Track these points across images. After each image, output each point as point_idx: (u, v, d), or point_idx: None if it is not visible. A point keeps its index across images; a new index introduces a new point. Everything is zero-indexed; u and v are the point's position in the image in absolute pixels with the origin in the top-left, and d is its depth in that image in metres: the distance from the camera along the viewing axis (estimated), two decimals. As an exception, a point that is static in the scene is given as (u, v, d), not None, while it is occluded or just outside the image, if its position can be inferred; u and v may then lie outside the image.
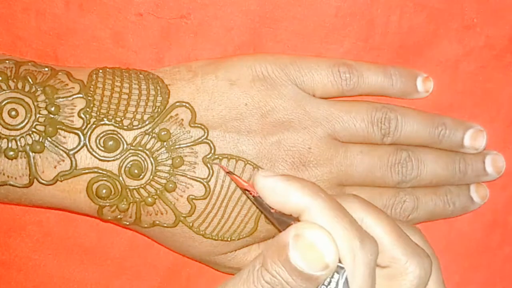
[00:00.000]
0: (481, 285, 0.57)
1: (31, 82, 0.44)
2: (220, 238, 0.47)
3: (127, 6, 0.49)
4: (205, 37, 0.50)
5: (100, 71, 0.47)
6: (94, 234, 0.53)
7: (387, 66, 0.51)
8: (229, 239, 0.47)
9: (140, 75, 0.47)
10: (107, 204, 0.45)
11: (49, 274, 0.54)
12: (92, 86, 0.45)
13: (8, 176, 0.44)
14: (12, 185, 0.44)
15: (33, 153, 0.43)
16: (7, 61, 0.45)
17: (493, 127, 0.53)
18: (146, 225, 0.47)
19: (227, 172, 0.46)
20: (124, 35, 0.50)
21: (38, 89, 0.44)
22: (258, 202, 0.42)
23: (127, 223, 0.47)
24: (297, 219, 0.40)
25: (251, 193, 0.43)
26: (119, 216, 0.46)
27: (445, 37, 0.51)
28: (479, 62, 0.52)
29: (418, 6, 0.50)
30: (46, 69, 0.46)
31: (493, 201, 0.54)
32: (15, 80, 0.44)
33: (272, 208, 0.41)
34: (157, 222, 0.46)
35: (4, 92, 0.44)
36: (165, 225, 0.46)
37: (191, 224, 0.46)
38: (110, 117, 0.45)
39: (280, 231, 0.40)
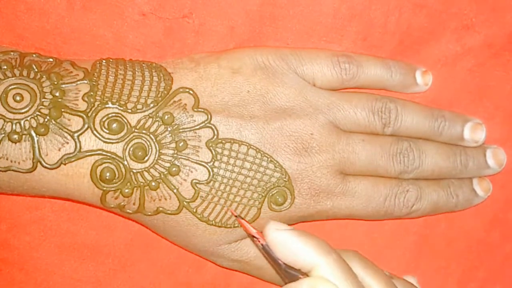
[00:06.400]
0: (481, 282, 0.57)
1: (36, 70, 0.45)
2: (223, 225, 0.47)
3: (130, 5, 0.50)
4: (206, 36, 0.51)
5: (104, 61, 0.47)
6: (95, 232, 0.53)
7: (387, 59, 0.52)
8: (232, 226, 0.47)
9: (143, 65, 0.48)
10: (111, 189, 0.45)
11: (50, 271, 0.53)
12: (96, 73, 0.46)
13: (11, 161, 0.44)
14: (15, 171, 0.44)
15: (37, 136, 0.43)
16: (11, 53, 0.46)
17: (491, 124, 0.54)
18: (149, 213, 0.46)
19: (236, 216, 0.46)
20: (127, 34, 0.51)
21: (43, 76, 0.45)
22: (265, 250, 0.42)
23: (130, 211, 0.46)
24: (305, 274, 0.40)
25: (258, 241, 0.42)
26: (122, 203, 0.46)
27: (443, 36, 0.52)
28: (478, 60, 0.53)
29: (417, 6, 0.51)
30: (51, 59, 0.46)
31: (493, 198, 0.54)
32: (20, 68, 0.45)
33: (280, 260, 0.41)
34: (161, 208, 0.46)
35: (9, 78, 0.44)
36: (168, 211, 0.46)
37: (194, 210, 0.46)
38: (114, 100, 0.45)
39: (285, 282, 0.41)
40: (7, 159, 0.44)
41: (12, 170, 0.44)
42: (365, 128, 0.50)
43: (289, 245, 0.40)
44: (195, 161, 0.46)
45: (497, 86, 0.54)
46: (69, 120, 0.44)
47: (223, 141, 0.46)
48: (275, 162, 0.47)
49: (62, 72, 0.45)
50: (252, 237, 0.43)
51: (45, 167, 0.44)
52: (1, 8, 0.50)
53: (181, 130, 0.46)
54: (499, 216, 0.56)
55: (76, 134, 0.44)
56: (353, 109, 0.49)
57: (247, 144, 0.46)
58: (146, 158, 0.45)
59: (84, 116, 0.44)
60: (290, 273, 0.40)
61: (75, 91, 0.45)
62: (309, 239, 0.40)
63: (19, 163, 0.44)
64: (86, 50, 0.51)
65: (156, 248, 0.53)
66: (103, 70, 0.46)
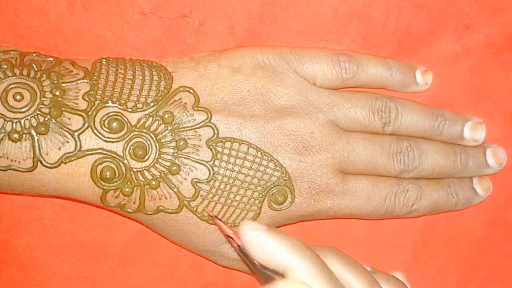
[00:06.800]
0: (481, 282, 0.57)
1: (36, 69, 0.45)
2: None
3: (130, 5, 0.50)
4: (206, 36, 0.51)
5: (104, 60, 0.47)
6: (95, 231, 0.53)
7: (387, 58, 0.52)
8: (232, 225, 0.47)
9: (143, 64, 0.48)
10: (111, 188, 0.45)
11: (50, 271, 0.53)
12: (96, 72, 0.46)
13: (11, 160, 0.44)
14: (16, 170, 0.44)
15: (38, 135, 0.43)
16: (12, 52, 0.46)
17: (491, 123, 0.54)
18: (150, 212, 0.46)
19: (212, 217, 0.46)
20: (127, 34, 0.51)
21: (43, 75, 0.45)
22: (241, 251, 0.41)
23: (131, 211, 0.46)
24: (281, 275, 0.39)
25: (235, 241, 0.42)
26: (122, 202, 0.46)
27: (443, 35, 0.52)
28: (478, 59, 0.53)
29: (417, 6, 0.51)
30: (51, 59, 0.46)
31: (493, 198, 0.54)
32: (20, 68, 0.45)
33: (256, 260, 0.40)
34: (161, 207, 0.46)
35: (9, 78, 0.44)
36: (169, 210, 0.46)
37: (195, 208, 0.46)
38: (115, 100, 0.45)
39: (261, 283, 0.40)
40: (7, 158, 0.44)
41: (12, 169, 0.44)
42: (365, 127, 0.50)
43: (264, 245, 0.39)
44: (195, 160, 0.46)
45: (497, 85, 0.54)
46: (69, 119, 0.44)
47: (223, 140, 0.46)
48: (275, 161, 0.47)
49: (62, 71, 0.45)
50: (228, 237, 0.43)
51: (45, 166, 0.44)
52: (1, 8, 0.50)
53: (181, 129, 0.46)
54: (499, 216, 0.55)
55: (76, 133, 0.44)
56: (353, 108, 0.49)
57: (247, 143, 0.46)
58: (147, 157, 0.45)
59: (84, 115, 0.44)
60: (265, 273, 0.39)
61: (75, 90, 0.45)
62: (283, 239, 0.39)
63: (19, 162, 0.44)
64: (86, 50, 0.51)
65: (156, 248, 0.53)
66: (103, 69, 0.46)
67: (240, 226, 0.40)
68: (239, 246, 0.41)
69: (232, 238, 0.42)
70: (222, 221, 0.44)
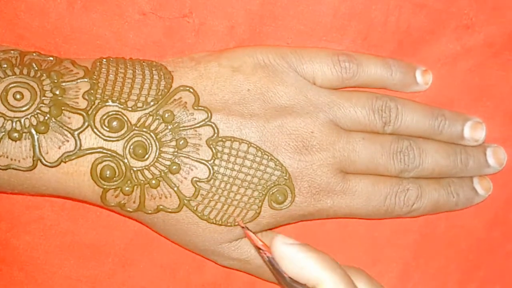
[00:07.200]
0: (481, 282, 0.56)
1: (36, 68, 0.45)
2: (224, 223, 0.47)
3: (130, 5, 0.50)
4: (206, 36, 0.51)
5: (104, 59, 0.47)
6: (95, 231, 0.53)
7: (387, 58, 0.52)
8: (232, 224, 0.47)
9: (143, 63, 0.48)
10: (111, 187, 0.45)
11: (50, 271, 0.53)
12: (96, 71, 0.46)
13: (11, 159, 0.44)
14: (15, 169, 0.44)
15: (38, 134, 0.43)
16: (12, 51, 0.46)
17: (491, 123, 0.54)
18: (150, 211, 0.46)
19: (243, 227, 0.46)
20: (128, 34, 0.51)
21: (43, 74, 0.45)
22: (271, 263, 0.41)
23: (131, 210, 0.46)
24: None
25: (265, 253, 0.42)
26: (123, 201, 0.46)
27: (443, 35, 0.52)
28: (478, 59, 0.53)
29: (417, 5, 0.51)
30: (51, 58, 0.46)
31: (494, 197, 0.54)
32: (20, 67, 0.45)
33: (286, 273, 0.40)
34: (161, 206, 0.46)
35: (9, 77, 0.44)
36: (169, 210, 0.46)
37: (195, 208, 0.46)
38: (115, 99, 0.45)
39: None
40: (7, 157, 0.44)
41: (12, 169, 0.44)
42: (365, 126, 0.50)
43: (296, 259, 0.39)
44: (195, 159, 0.46)
45: (497, 85, 0.54)
46: (69, 118, 0.44)
47: (224, 139, 0.46)
48: (276, 160, 0.47)
49: (63, 71, 0.45)
50: (258, 249, 0.43)
51: (45, 165, 0.44)
52: (1, 7, 0.50)
53: (181, 128, 0.46)
54: (500, 215, 0.55)
55: (76, 132, 0.44)
56: (353, 108, 0.49)
57: (248, 142, 0.46)
58: (147, 156, 0.45)
59: (84, 114, 0.44)
60: (294, 286, 0.40)
61: (76, 89, 0.45)
62: (316, 254, 0.40)
63: (19, 161, 0.44)
64: (86, 50, 0.51)
65: (156, 248, 0.53)
66: (103, 69, 0.46)
67: (272, 240, 0.40)
68: (268, 258, 0.41)
69: (262, 250, 0.42)
70: (252, 232, 0.45)
